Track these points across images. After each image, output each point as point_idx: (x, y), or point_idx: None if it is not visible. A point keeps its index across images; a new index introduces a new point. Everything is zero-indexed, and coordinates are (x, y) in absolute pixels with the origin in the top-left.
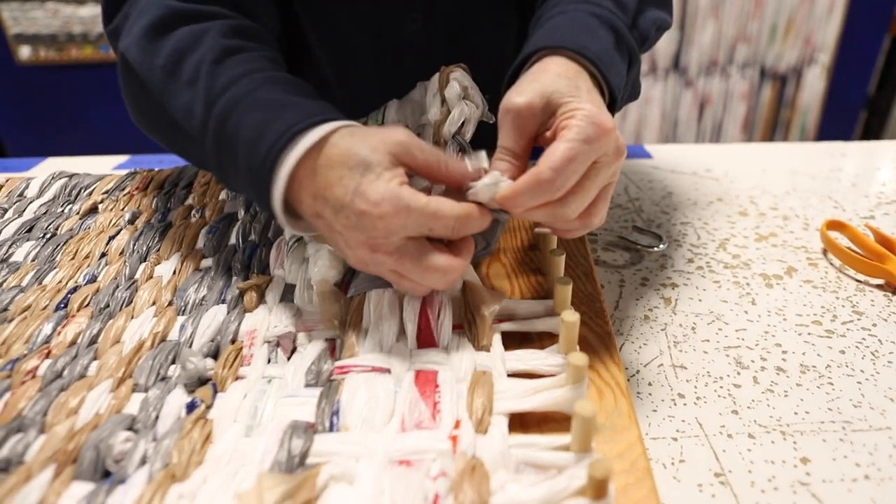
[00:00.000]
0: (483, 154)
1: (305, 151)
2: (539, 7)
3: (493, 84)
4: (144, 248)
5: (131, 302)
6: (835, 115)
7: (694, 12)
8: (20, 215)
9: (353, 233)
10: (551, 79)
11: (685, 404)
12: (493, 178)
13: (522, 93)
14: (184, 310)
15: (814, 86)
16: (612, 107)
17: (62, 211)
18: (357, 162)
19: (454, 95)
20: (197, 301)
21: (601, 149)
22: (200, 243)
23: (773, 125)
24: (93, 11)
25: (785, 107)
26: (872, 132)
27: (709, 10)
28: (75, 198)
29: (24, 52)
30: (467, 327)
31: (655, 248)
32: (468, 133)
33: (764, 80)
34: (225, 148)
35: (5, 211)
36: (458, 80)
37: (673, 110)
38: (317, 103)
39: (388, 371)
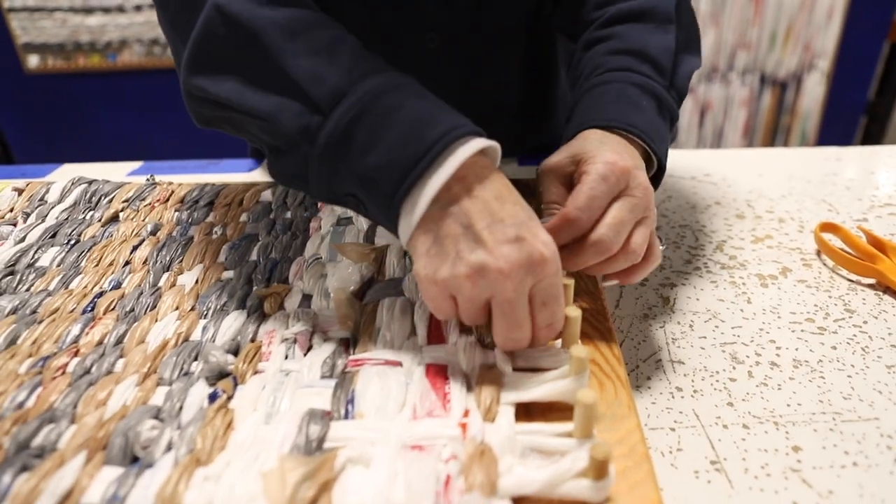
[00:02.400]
0: None
1: (480, 148)
2: (575, 60)
3: (505, 104)
4: (167, 259)
5: (155, 307)
6: (835, 120)
7: None
8: (43, 220)
9: (505, 246)
10: (580, 142)
11: (683, 397)
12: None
13: (556, 155)
14: (206, 314)
15: (814, 92)
16: (660, 173)
17: (83, 218)
18: (526, 207)
19: None
20: (218, 307)
21: (618, 183)
22: (222, 257)
23: (773, 131)
24: (100, 21)
25: (785, 113)
26: (873, 137)
27: (709, 17)
28: (96, 205)
29: (33, 60)
30: (475, 327)
31: None
32: None
33: (764, 87)
34: (368, 121)
35: (28, 216)
36: None
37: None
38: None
39: (400, 364)
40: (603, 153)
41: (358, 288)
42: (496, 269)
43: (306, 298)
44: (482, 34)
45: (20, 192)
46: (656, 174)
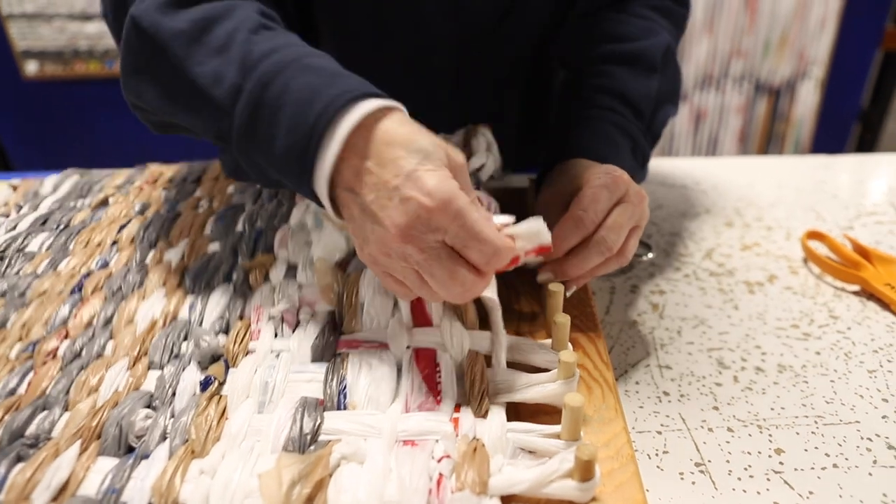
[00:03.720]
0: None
1: (364, 116)
2: (565, 85)
3: (506, 118)
4: (154, 235)
5: (142, 284)
6: (828, 128)
7: (689, 28)
8: (35, 210)
9: (391, 213)
10: (577, 167)
11: (669, 401)
12: (536, 225)
13: (549, 186)
14: (192, 290)
15: (807, 99)
16: None
17: (74, 205)
18: (418, 148)
19: (480, 145)
20: (205, 282)
21: (619, 191)
22: (208, 230)
23: (767, 138)
24: (99, 28)
25: (779, 120)
26: (866, 145)
27: (703, 25)
28: (87, 193)
29: (31, 67)
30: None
31: (645, 258)
32: (484, 178)
33: (758, 94)
34: (263, 112)
35: (21, 207)
36: (484, 134)
37: (669, 125)
38: (369, 83)
39: (388, 348)
40: (600, 169)
41: (342, 258)
42: (395, 239)
43: (291, 269)
44: (493, 57)
45: (15, 188)
46: None
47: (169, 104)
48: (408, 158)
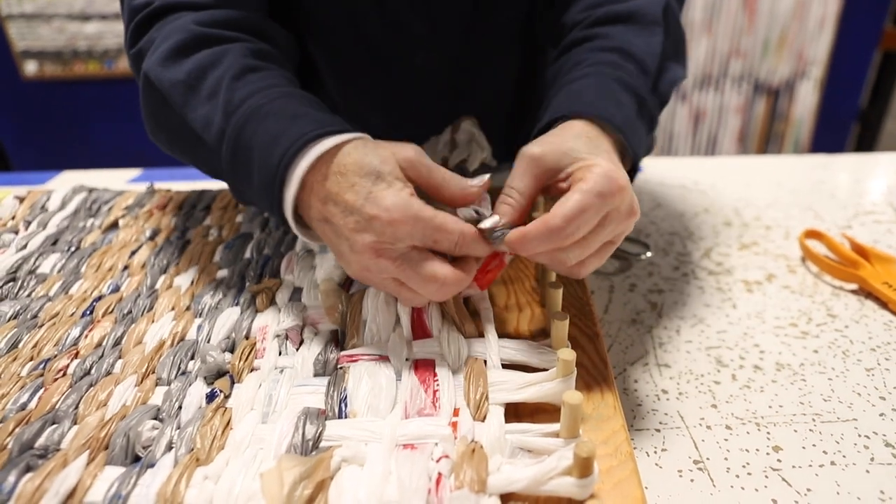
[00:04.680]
0: (486, 196)
1: (318, 157)
2: (557, 59)
3: (496, 114)
4: (164, 262)
5: (152, 308)
6: (827, 128)
7: (688, 28)
8: (44, 228)
9: (361, 235)
10: (572, 137)
11: (668, 399)
12: (493, 222)
13: (542, 144)
14: (200, 313)
15: (806, 99)
16: (633, 172)
17: (84, 225)
18: (369, 171)
19: (463, 139)
20: (213, 305)
21: (613, 203)
22: (217, 257)
23: (766, 138)
24: (98, 28)
25: (778, 120)
26: (865, 145)
27: (702, 25)
28: (96, 212)
29: (30, 67)
30: (451, 319)
31: (643, 257)
32: (471, 168)
33: (757, 94)
34: (240, 155)
35: (29, 223)
36: (467, 127)
37: (668, 124)
38: (330, 116)
39: (388, 360)
40: (600, 161)
41: (345, 279)
42: (369, 256)
43: (297, 292)
44: (471, 50)
45: (21, 200)
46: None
47: (176, 146)
48: (362, 183)
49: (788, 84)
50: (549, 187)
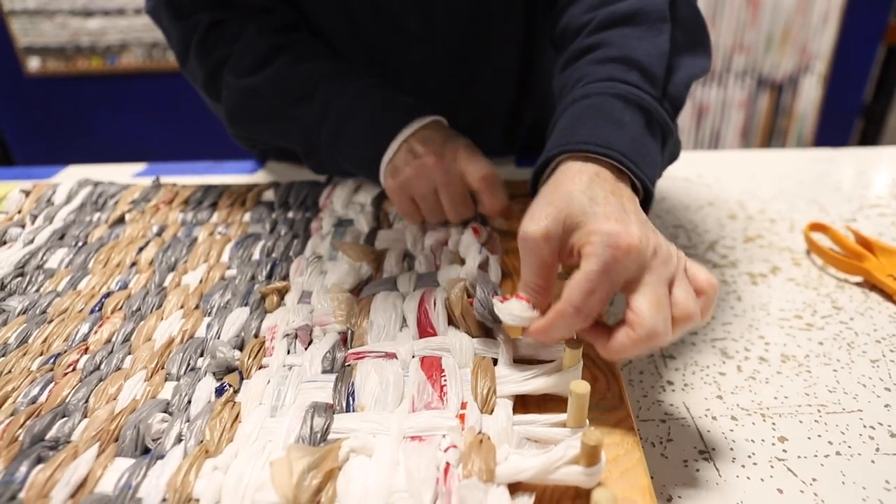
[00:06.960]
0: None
1: (414, 130)
2: (562, 71)
3: (495, 108)
4: (172, 259)
5: (161, 306)
6: (831, 122)
7: None
8: (50, 222)
9: (430, 153)
10: (565, 199)
11: (673, 390)
12: (521, 309)
13: (537, 220)
14: (210, 312)
15: (810, 94)
16: (649, 199)
17: (90, 220)
18: (442, 138)
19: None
20: (222, 304)
21: (624, 271)
22: (225, 257)
23: (770, 133)
24: (101, 24)
25: (782, 115)
26: (869, 139)
27: (706, 20)
28: (102, 206)
29: (33, 63)
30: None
31: None
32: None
33: (761, 89)
34: (343, 137)
35: (35, 217)
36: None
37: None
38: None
39: (395, 356)
40: (598, 221)
41: (355, 285)
42: (435, 164)
43: (306, 295)
44: (468, 48)
45: (27, 193)
46: (644, 200)
47: (274, 134)
48: (441, 140)
49: (792, 79)
50: (562, 260)
